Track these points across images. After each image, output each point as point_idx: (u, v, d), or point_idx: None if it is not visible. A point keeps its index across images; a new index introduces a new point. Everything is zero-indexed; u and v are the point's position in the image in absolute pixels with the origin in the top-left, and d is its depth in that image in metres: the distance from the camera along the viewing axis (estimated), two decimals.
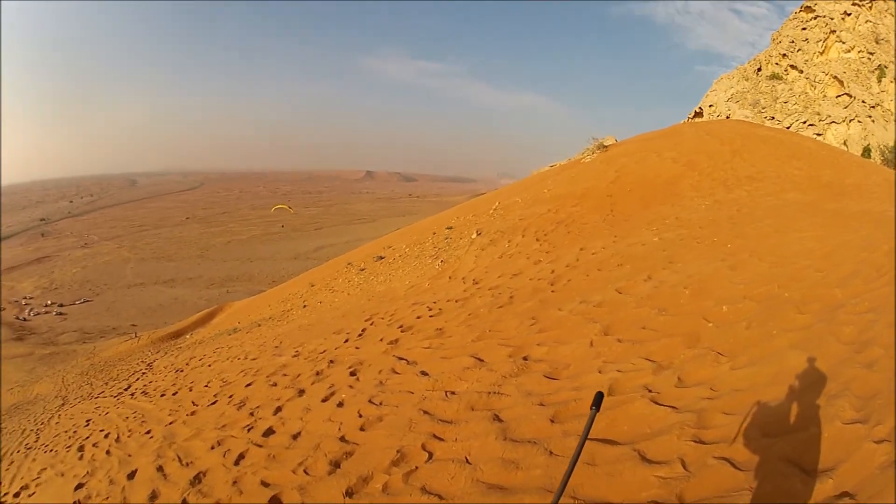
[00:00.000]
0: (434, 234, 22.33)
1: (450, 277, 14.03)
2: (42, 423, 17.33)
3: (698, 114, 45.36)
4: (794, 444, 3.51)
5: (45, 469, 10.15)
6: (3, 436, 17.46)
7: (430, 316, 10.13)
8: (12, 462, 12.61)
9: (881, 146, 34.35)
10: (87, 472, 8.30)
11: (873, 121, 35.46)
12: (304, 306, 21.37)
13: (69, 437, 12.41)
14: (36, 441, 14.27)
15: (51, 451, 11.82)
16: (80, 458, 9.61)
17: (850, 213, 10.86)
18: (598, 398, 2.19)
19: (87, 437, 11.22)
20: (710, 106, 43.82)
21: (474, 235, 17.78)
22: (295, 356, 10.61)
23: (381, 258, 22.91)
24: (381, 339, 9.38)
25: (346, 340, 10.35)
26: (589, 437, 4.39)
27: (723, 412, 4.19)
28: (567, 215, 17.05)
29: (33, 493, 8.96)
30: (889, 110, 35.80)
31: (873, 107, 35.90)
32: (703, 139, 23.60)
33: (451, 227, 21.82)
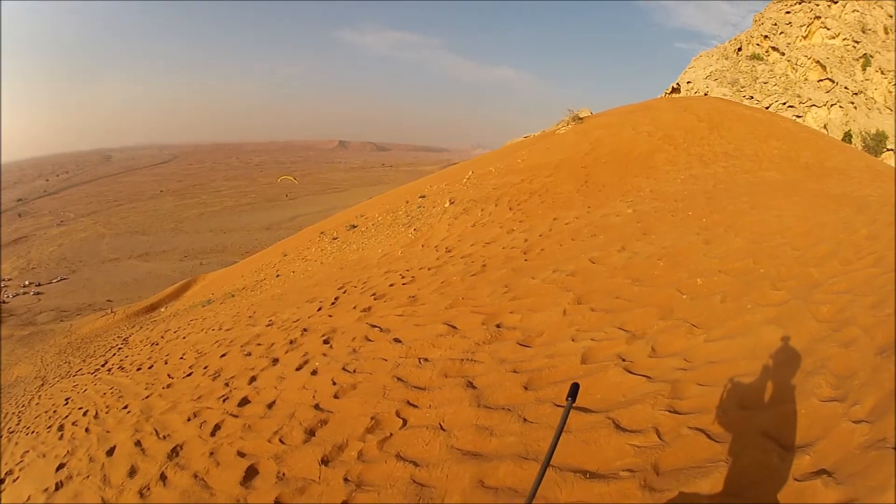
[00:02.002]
0: (407, 202, 22.22)
1: (423, 246, 14.00)
2: (23, 406, 17.20)
3: (675, 90, 45.38)
4: (770, 418, 3.53)
5: (27, 452, 9.99)
6: None
7: (403, 284, 10.12)
8: None
9: (862, 132, 34.55)
10: (68, 452, 8.19)
11: (855, 107, 35.62)
12: (278, 276, 21.33)
13: (49, 417, 12.34)
14: (18, 424, 14.09)
15: (32, 432, 11.67)
16: (61, 437, 9.50)
17: (830, 195, 10.98)
18: (574, 389, 2.16)
19: (67, 416, 11.14)
20: (689, 83, 43.85)
21: (447, 204, 17.71)
22: (269, 326, 10.60)
23: (354, 227, 22.75)
24: (355, 307, 9.34)
25: (320, 309, 10.31)
26: (563, 404, 4.39)
27: (697, 383, 4.21)
28: (541, 185, 17.05)
29: (17, 477, 8.83)
30: (872, 98, 35.97)
31: (856, 93, 36.05)
32: (681, 114, 23.67)
33: (424, 196, 21.77)
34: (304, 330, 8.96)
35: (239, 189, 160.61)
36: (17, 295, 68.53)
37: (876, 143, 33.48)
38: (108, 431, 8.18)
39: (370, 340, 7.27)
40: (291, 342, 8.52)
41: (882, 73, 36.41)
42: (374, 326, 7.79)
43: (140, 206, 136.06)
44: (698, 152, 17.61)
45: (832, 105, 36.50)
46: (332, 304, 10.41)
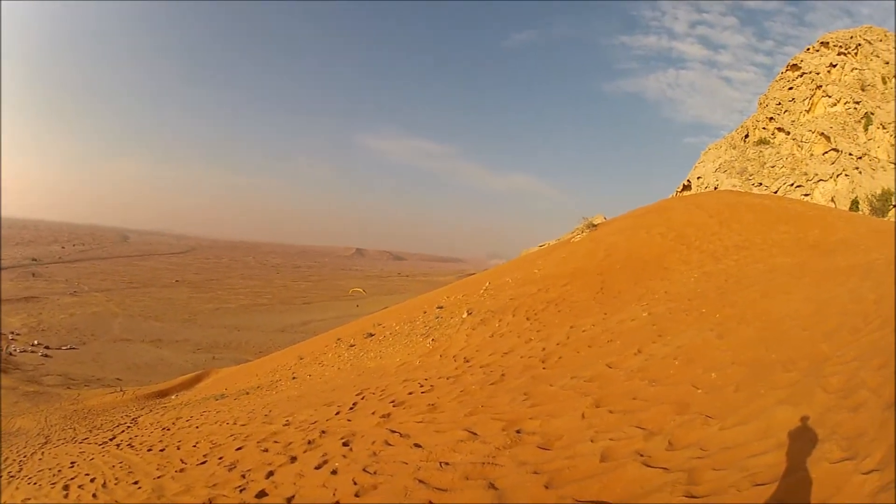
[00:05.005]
0: (424, 312, 22.27)
1: (441, 355, 14.01)
2: (25, 456, 17.44)
3: (686, 187, 45.75)
4: (783, 488, 3.57)
5: (28, 499, 10.31)
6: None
7: (422, 392, 10.09)
8: None
9: (869, 196, 34.22)
10: None
11: (860, 172, 35.51)
12: (294, 378, 20.85)
13: (53, 475, 12.51)
14: (19, 471, 14.47)
15: (34, 483, 11.99)
16: (66, 496, 9.74)
17: (838, 269, 11.16)
18: None
19: (73, 479, 11.34)
20: (699, 178, 44.23)
21: (465, 315, 17.75)
22: (286, 425, 10.52)
23: (372, 335, 22.46)
24: (374, 413, 9.33)
25: (338, 413, 10.26)
26: (584, 500, 4.44)
27: (712, 468, 4.24)
28: (558, 294, 17.17)
29: None
30: (876, 158, 35.89)
31: (860, 157, 36.00)
32: (692, 212, 23.97)
33: (441, 307, 21.74)
34: (323, 432, 8.92)
35: (255, 289, 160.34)
36: (25, 351, 66.86)
37: (882, 204, 32.99)
38: (117, 502, 8.34)
39: (390, 445, 7.25)
40: (310, 442, 8.48)
41: (883, 127, 36.41)
42: (394, 432, 7.77)
43: (155, 293, 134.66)
44: (710, 249, 17.80)
45: (838, 175, 36.37)
46: (351, 408, 10.37)
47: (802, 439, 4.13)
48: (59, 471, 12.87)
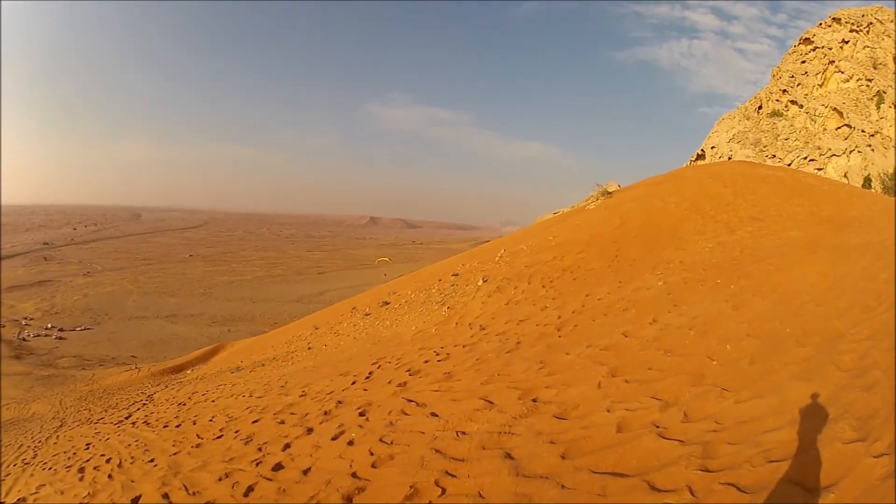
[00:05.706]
0: (440, 280, 22.29)
1: (456, 323, 14.05)
2: (40, 442, 17.55)
3: (700, 156, 45.45)
4: (796, 466, 3.64)
5: (43, 485, 10.30)
6: (1, 449, 17.64)
7: (438, 360, 10.12)
8: (9, 474, 12.88)
9: (881, 174, 33.90)
10: (89, 493, 8.38)
11: (873, 149, 35.25)
12: (309, 348, 21.03)
13: (68, 458, 12.57)
14: (34, 458, 14.51)
15: (49, 468, 12.00)
16: (81, 479, 9.73)
17: (851, 246, 11.09)
18: None
19: (88, 460, 11.35)
20: (713, 148, 43.91)
21: (480, 282, 17.79)
22: (302, 396, 10.56)
23: (387, 304, 22.56)
24: (390, 382, 9.36)
25: (354, 382, 10.30)
26: (600, 471, 4.52)
27: (728, 443, 4.29)
28: (572, 262, 17.17)
29: None
30: (888, 136, 35.59)
31: (872, 135, 35.73)
32: (706, 182, 23.79)
33: (456, 274, 21.75)
34: (339, 402, 8.96)
35: (269, 260, 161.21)
36: (39, 336, 67.75)
37: (895, 183, 32.78)
38: (132, 481, 8.32)
39: (406, 414, 7.30)
40: (326, 413, 8.51)
41: (895, 107, 36.17)
42: (411, 401, 7.81)
43: (169, 269, 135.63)
44: (724, 219, 17.72)
45: (851, 151, 36.09)
46: (367, 378, 10.39)
47: (815, 417, 4.18)
48: (75, 453, 12.99)
